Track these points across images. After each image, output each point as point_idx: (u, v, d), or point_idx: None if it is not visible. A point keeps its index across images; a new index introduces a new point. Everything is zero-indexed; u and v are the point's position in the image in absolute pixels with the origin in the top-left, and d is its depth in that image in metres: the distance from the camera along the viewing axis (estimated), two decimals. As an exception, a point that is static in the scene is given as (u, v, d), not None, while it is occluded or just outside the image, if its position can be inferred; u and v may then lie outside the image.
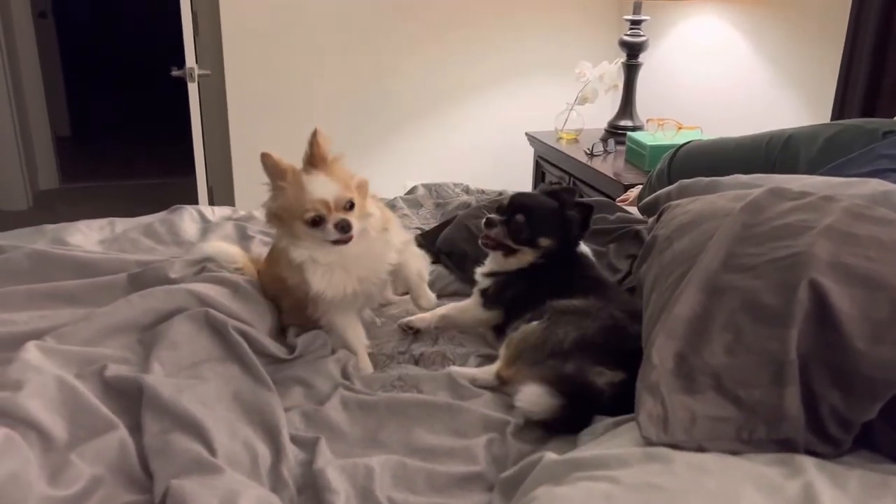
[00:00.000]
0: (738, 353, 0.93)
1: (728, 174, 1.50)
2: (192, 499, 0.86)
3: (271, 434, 1.04)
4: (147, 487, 0.95)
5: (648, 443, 0.89)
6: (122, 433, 1.01)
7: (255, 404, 1.10)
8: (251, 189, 3.09)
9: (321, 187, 1.24)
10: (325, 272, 1.27)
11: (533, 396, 1.07)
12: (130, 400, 1.07)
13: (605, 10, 3.30)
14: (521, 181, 3.19)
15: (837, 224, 1.00)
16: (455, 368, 1.25)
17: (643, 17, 2.89)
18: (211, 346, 1.21)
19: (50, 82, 4.90)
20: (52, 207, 4.35)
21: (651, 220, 1.32)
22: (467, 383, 1.20)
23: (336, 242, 1.24)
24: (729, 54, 2.83)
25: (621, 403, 1.03)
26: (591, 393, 1.09)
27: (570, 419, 1.06)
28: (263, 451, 1.01)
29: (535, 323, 1.21)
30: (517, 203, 1.37)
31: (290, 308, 1.39)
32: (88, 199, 4.57)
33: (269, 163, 1.27)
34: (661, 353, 0.95)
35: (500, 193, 1.97)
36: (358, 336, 1.34)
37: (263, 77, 3.10)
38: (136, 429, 1.03)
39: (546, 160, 3.08)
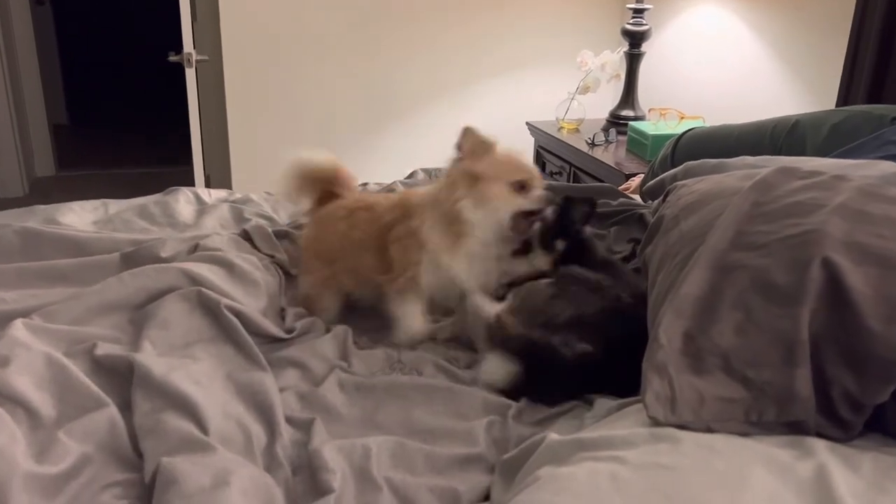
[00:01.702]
0: (747, 333, 0.90)
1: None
2: (183, 477, 0.83)
3: (265, 414, 1.01)
4: (137, 466, 0.92)
5: (655, 423, 0.86)
6: (111, 411, 0.98)
7: (249, 384, 1.07)
8: (249, 176, 3.10)
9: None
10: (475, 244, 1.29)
11: (493, 366, 1.11)
12: (121, 378, 1.04)
13: (606, -2, 3.27)
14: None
15: (850, 202, 0.97)
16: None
17: (646, 6, 2.86)
18: (203, 325, 1.18)
19: (47, 70, 4.86)
20: (49, 194, 4.32)
21: (656, 201, 1.29)
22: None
23: (528, 216, 1.29)
24: (732, 44, 2.80)
25: (591, 377, 1.07)
26: (553, 362, 1.09)
27: (530, 386, 1.08)
28: (258, 431, 0.98)
29: (543, 282, 1.20)
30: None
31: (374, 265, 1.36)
32: (85, 187, 4.54)
33: (473, 135, 1.33)
34: (668, 332, 0.92)
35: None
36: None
37: (262, 63, 3.07)
38: (126, 408, 1.00)
39: (546, 150, 3.05)
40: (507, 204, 1.28)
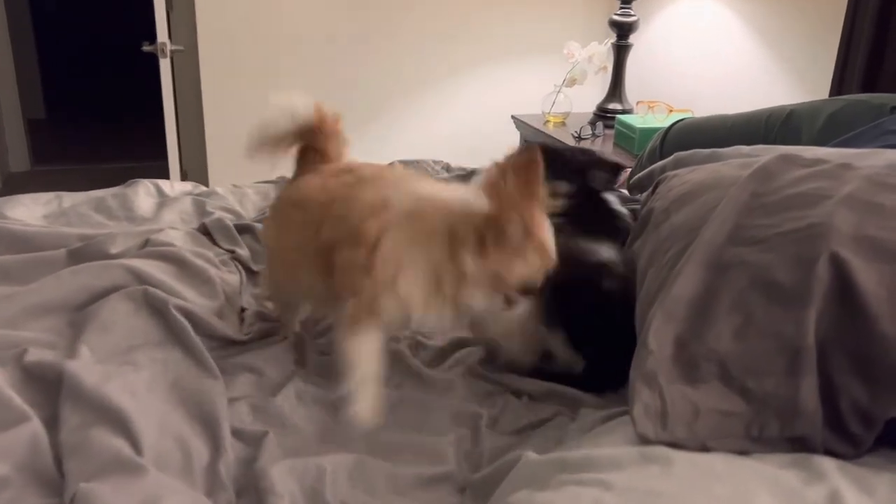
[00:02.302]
0: (747, 338, 0.81)
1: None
2: (102, 505, 0.73)
3: (210, 428, 0.91)
4: (61, 489, 0.81)
5: (645, 440, 0.77)
6: (34, 426, 0.87)
7: (195, 394, 0.96)
8: (226, 171, 3.00)
9: None
10: None
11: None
12: (50, 389, 0.93)
13: (595, -12, 3.21)
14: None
15: (859, 193, 0.88)
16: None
17: (635, -4, 2.78)
18: (149, 328, 1.07)
19: (23, 64, 4.74)
20: (24, 189, 4.18)
21: (644, 194, 1.20)
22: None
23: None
24: (722, 36, 2.75)
25: None
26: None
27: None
28: (199, 448, 0.87)
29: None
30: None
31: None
32: (61, 182, 4.39)
33: (535, 168, 0.92)
34: (658, 337, 0.82)
35: (475, 171, 1.86)
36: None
37: (239, 53, 2.97)
38: (53, 422, 0.89)
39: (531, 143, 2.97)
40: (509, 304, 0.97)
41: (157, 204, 1.67)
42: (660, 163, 1.36)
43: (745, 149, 1.23)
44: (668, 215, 1.00)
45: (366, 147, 3.14)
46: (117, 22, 6.15)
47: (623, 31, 2.81)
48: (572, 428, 0.95)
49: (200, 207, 1.64)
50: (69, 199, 1.67)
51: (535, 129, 2.91)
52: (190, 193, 1.74)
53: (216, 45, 2.94)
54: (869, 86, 2.07)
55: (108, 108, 6.21)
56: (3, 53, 4.40)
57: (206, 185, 2.98)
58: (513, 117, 3.07)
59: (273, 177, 1.98)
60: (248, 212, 1.67)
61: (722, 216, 0.90)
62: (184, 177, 2.96)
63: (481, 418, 0.97)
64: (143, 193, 1.69)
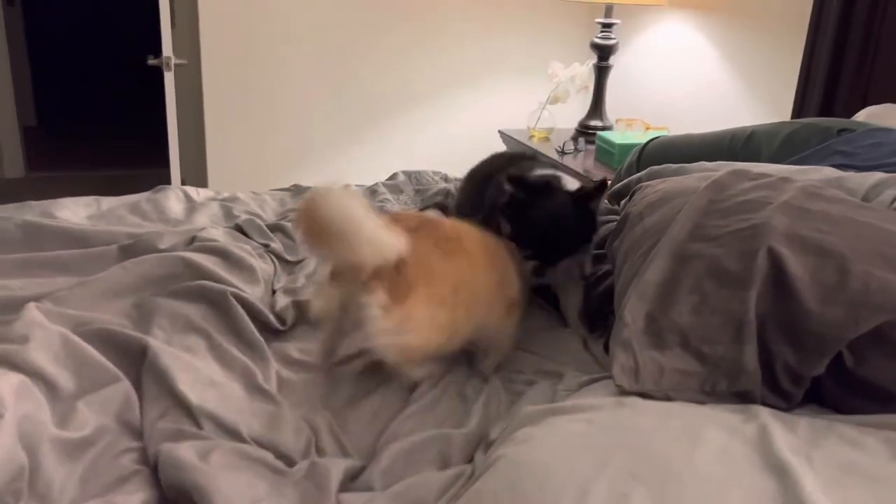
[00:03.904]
0: (702, 314, 1.02)
1: None
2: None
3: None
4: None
5: (621, 392, 0.97)
6: (126, 386, 1.06)
7: (247, 371, 1.14)
8: (225, 181, 3.15)
9: None
10: None
11: None
12: (134, 359, 1.12)
13: (577, 12, 3.41)
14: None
15: (793, 200, 1.10)
16: None
17: (614, 21, 3.00)
18: (208, 314, 1.25)
19: (17, 71, 4.84)
20: (19, 196, 4.27)
21: (623, 201, 1.41)
22: None
23: None
24: (695, 59, 2.96)
25: None
26: None
27: None
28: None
29: None
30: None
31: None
32: (56, 189, 4.49)
33: None
34: (632, 312, 1.03)
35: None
36: None
37: (240, 67, 3.13)
38: (137, 385, 1.08)
39: (518, 156, 3.16)
40: None
41: (186, 208, 1.85)
42: (635, 176, 1.57)
43: (707, 164, 1.45)
44: (642, 218, 1.21)
45: (360, 158, 3.34)
46: (111, 32, 6.28)
47: (604, 53, 3.02)
48: (561, 388, 1.14)
49: (227, 211, 1.82)
50: (106, 202, 1.84)
51: (521, 143, 3.10)
52: (215, 199, 1.92)
53: (218, 60, 3.09)
54: (827, 104, 2.27)
55: (101, 116, 6.31)
56: (1, 62, 4.49)
57: (207, 192, 3.14)
58: (500, 132, 3.25)
59: (287, 184, 2.17)
60: (269, 215, 1.85)
61: (684, 218, 1.11)
62: (183, 184, 3.09)
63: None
64: (173, 198, 1.87)
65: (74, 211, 1.75)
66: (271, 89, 3.20)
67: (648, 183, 1.33)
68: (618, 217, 1.57)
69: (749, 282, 1.01)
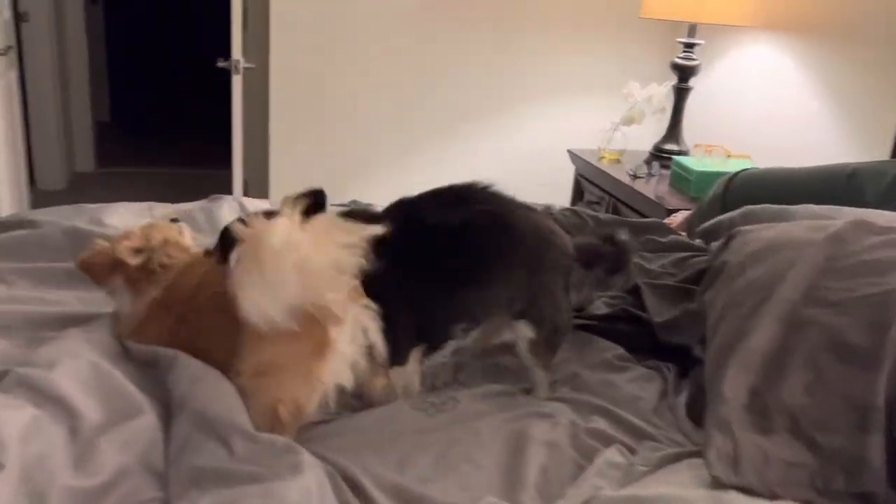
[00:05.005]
0: (817, 394, 0.86)
1: (788, 204, 1.43)
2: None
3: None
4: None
5: (717, 483, 0.82)
6: (151, 419, 0.96)
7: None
8: (286, 184, 3.11)
9: None
10: None
11: None
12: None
13: (657, 31, 3.25)
14: (557, 198, 3.14)
15: (931, 263, 0.93)
16: None
17: (698, 41, 2.83)
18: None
19: (94, 68, 4.95)
20: (87, 190, 4.39)
21: (715, 244, 1.25)
22: None
23: None
24: (784, 84, 2.76)
25: None
26: None
27: None
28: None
29: None
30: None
31: None
32: (122, 185, 4.60)
33: None
34: (733, 386, 0.88)
35: (547, 208, 1.91)
36: None
37: (307, 74, 3.09)
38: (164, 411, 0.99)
39: (586, 178, 3.02)
40: None
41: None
42: (728, 215, 1.41)
43: (814, 208, 1.28)
44: (744, 269, 1.05)
45: (420, 169, 3.25)
46: (186, 33, 6.39)
47: (684, 74, 2.86)
48: (637, 463, 0.99)
49: (281, 225, 1.73)
50: (160, 210, 1.78)
51: (590, 164, 2.96)
52: (270, 211, 1.83)
53: (286, 65, 3.05)
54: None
55: (168, 115, 6.43)
56: (80, 57, 4.60)
57: (267, 197, 3.11)
58: (569, 151, 3.12)
59: (347, 195, 2.08)
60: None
61: (797, 277, 0.95)
62: (245, 187, 3.07)
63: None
64: (226, 209, 1.79)
65: (125, 218, 1.69)
66: (337, 98, 3.15)
67: (748, 228, 1.17)
68: (702, 255, 1.42)
69: (878, 361, 0.85)
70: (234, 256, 0.90)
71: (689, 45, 2.83)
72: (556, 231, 1.20)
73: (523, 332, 1.16)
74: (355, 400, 1.13)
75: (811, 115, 2.65)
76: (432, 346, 1.14)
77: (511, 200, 1.19)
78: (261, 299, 0.87)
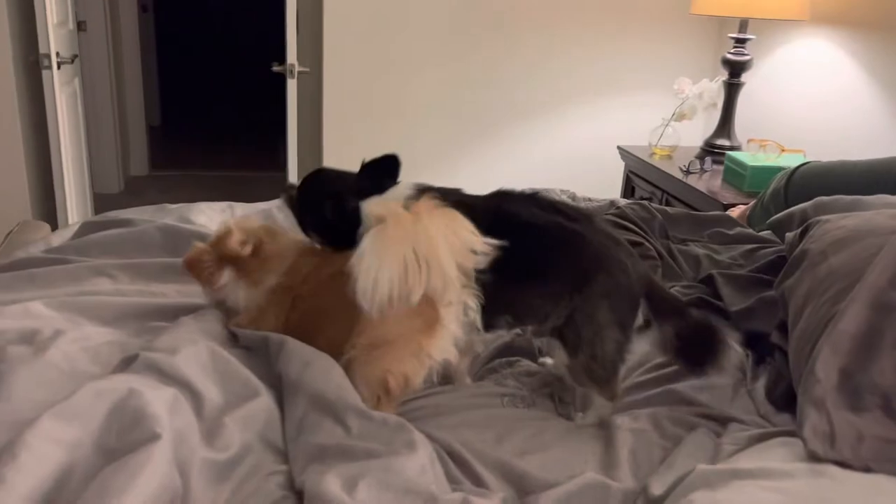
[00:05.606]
0: (909, 374, 0.90)
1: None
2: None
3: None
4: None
5: (814, 457, 0.86)
6: (267, 400, 1.03)
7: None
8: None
9: None
10: None
11: None
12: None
13: (707, 27, 3.26)
14: (608, 196, 3.17)
15: None
16: None
17: (749, 36, 2.83)
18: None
19: (146, 73, 5.10)
20: (141, 193, 4.52)
21: (791, 234, 1.29)
22: None
23: None
24: (836, 78, 2.75)
25: None
26: None
27: None
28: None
29: None
30: None
31: None
32: (175, 187, 4.73)
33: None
34: (826, 367, 0.92)
35: (612, 202, 1.95)
36: None
37: (360, 78, 3.15)
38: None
39: (637, 175, 3.04)
40: None
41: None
42: (798, 207, 1.44)
43: (889, 198, 1.30)
44: (826, 257, 1.09)
45: (472, 169, 3.30)
46: (238, 38, 6.54)
47: (735, 69, 2.86)
48: (726, 442, 1.03)
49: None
50: (240, 209, 1.86)
51: (641, 160, 2.98)
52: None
53: (340, 69, 3.12)
54: None
55: (220, 119, 6.58)
56: (133, 64, 4.74)
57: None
58: (619, 148, 3.14)
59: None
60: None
61: (884, 262, 0.99)
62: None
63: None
64: (301, 206, 1.87)
65: (210, 216, 1.78)
66: (389, 101, 3.21)
67: (827, 217, 1.20)
68: (768, 246, 1.45)
69: (968, 341, 0.88)
70: (363, 237, 0.96)
71: (741, 41, 2.83)
72: (626, 265, 1.11)
73: (559, 355, 1.15)
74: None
75: (864, 109, 2.64)
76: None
77: (602, 229, 1.15)
78: (380, 282, 0.93)
